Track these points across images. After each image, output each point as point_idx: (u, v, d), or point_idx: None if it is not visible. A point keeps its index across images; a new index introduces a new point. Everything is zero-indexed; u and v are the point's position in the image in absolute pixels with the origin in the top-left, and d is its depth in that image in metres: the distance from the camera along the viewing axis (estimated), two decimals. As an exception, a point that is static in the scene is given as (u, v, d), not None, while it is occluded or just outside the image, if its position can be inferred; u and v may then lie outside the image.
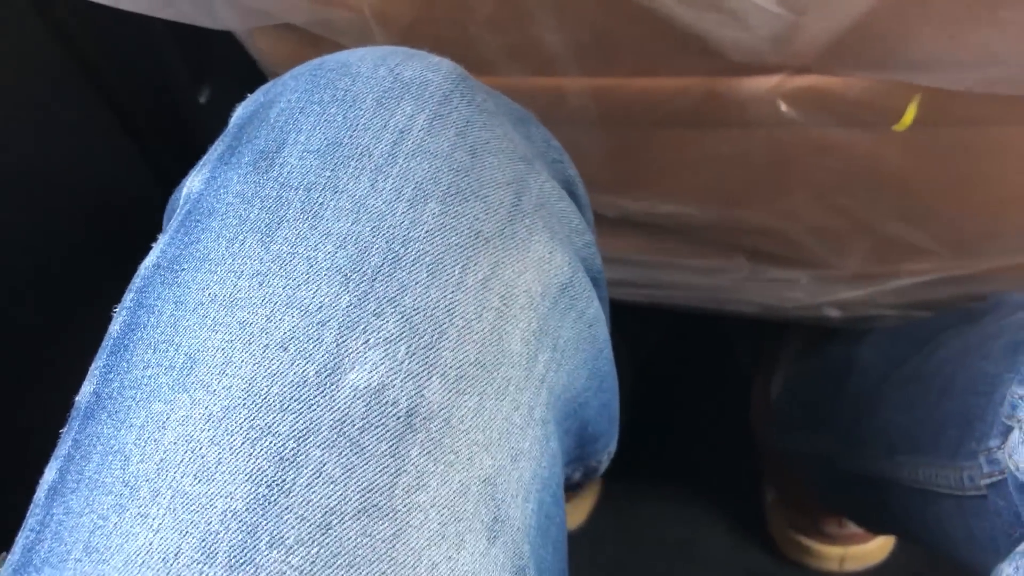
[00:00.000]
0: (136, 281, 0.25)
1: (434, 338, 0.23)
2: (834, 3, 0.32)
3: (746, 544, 0.71)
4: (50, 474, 0.24)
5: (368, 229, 0.23)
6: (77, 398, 0.25)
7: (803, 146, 0.46)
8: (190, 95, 0.58)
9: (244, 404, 0.21)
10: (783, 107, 0.43)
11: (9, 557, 0.24)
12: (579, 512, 0.71)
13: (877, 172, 0.47)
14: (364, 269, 0.23)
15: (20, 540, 0.23)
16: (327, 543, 0.21)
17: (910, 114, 0.42)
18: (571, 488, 0.32)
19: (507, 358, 0.24)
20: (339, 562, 0.21)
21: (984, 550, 0.31)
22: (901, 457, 0.40)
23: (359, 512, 0.21)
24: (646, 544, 0.71)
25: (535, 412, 0.25)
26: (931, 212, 0.50)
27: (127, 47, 0.53)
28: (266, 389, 0.22)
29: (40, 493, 0.23)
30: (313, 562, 0.20)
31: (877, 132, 0.44)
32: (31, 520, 0.23)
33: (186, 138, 0.58)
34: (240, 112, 0.27)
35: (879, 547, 0.68)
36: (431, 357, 0.23)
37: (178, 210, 0.26)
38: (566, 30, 0.38)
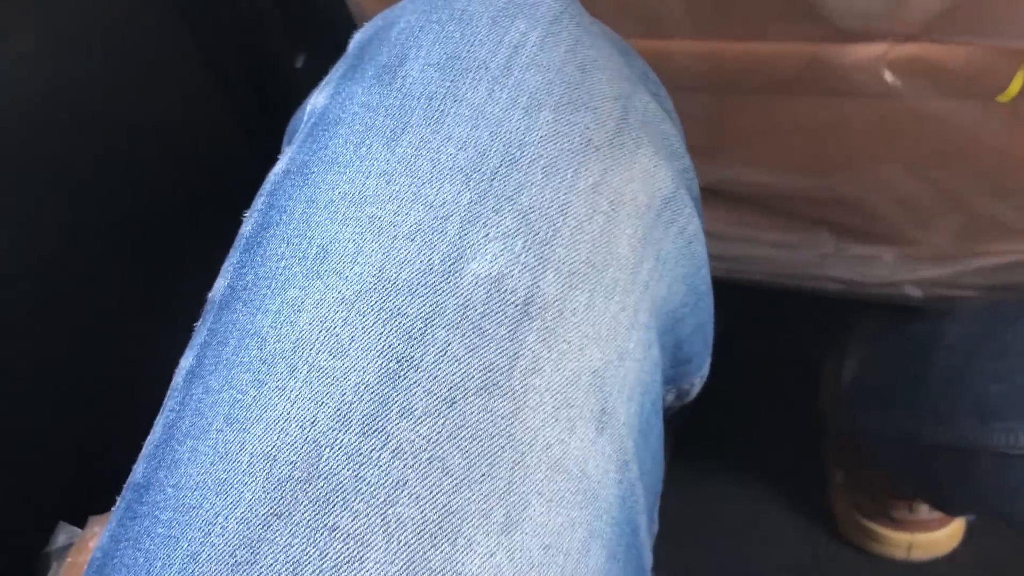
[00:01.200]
0: (266, 186, 0.27)
1: (549, 235, 0.24)
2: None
3: (811, 527, 0.71)
4: (187, 361, 0.25)
5: (487, 134, 0.24)
6: (210, 294, 0.26)
7: (902, 116, 0.46)
8: (287, 59, 0.59)
9: (375, 288, 0.23)
10: (887, 76, 0.44)
11: (149, 438, 0.25)
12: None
13: (976, 145, 0.47)
14: (483, 169, 0.24)
15: (160, 421, 0.25)
16: (452, 416, 0.22)
17: (1017, 84, 0.42)
18: (665, 411, 0.33)
19: (615, 260, 0.25)
20: (463, 434, 0.22)
21: None
22: (997, 423, 0.40)
23: (481, 389, 0.22)
24: (711, 524, 0.71)
25: (639, 316, 0.26)
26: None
27: (231, 10, 0.54)
28: (395, 275, 0.23)
29: (178, 379, 0.25)
30: (439, 433, 0.22)
31: (981, 103, 0.44)
32: (170, 403, 0.25)
33: (280, 101, 0.60)
34: (359, 37, 0.29)
35: (948, 536, 0.68)
36: (546, 252, 0.24)
37: (303, 124, 0.27)
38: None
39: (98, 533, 0.40)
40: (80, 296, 0.46)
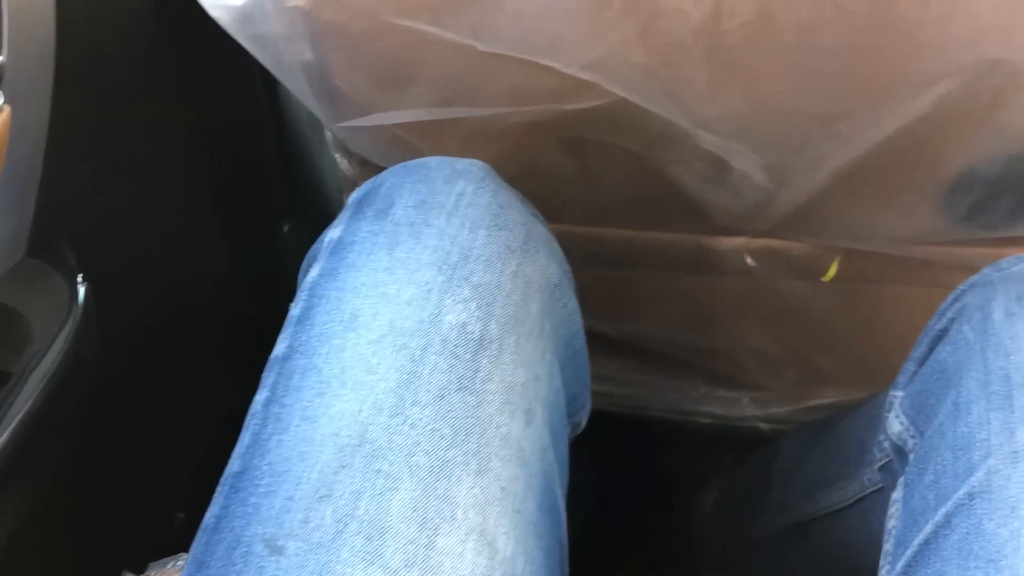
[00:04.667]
0: (304, 286, 0.39)
1: (491, 300, 0.37)
2: (800, 180, 0.50)
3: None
4: (261, 395, 0.36)
5: (448, 243, 0.38)
6: (272, 355, 0.38)
7: (758, 290, 0.64)
8: (278, 225, 0.73)
9: (389, 333, 0.35)
10: (748, 260, 0.62)
11: (236, 448, 0.35)
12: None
13: (809, 313, 0.65)
14: (448, 263, 0.37)
15: (245, 435, 0.35)
16: (442, 405, 0.34)
17: (833, 269, 0.61)
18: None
19: (529, 317, 0.38)
20: (450, 415, 0.34)
21: (877, 544, 0.43)
22: (818, 493, 0.55)
23: (457, 389, 0.34)
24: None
25: (546, 354, 0.39)
26: (841, 347, 0.68)
27: (246, 185, 0.68)
28: (401, 325, 0.35)
29: (256, 407, 0.36)
30: (436, 414, 0.33)
31: (812, 282, 0.62)
32: (252, 422, 0.35)
33: (271, 255, 0.73)
34: (355, 195, 0.43)
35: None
36: (490, 310, 0.37)
37: (323, 249, 0.40)
38: (616, 192, 0.56)
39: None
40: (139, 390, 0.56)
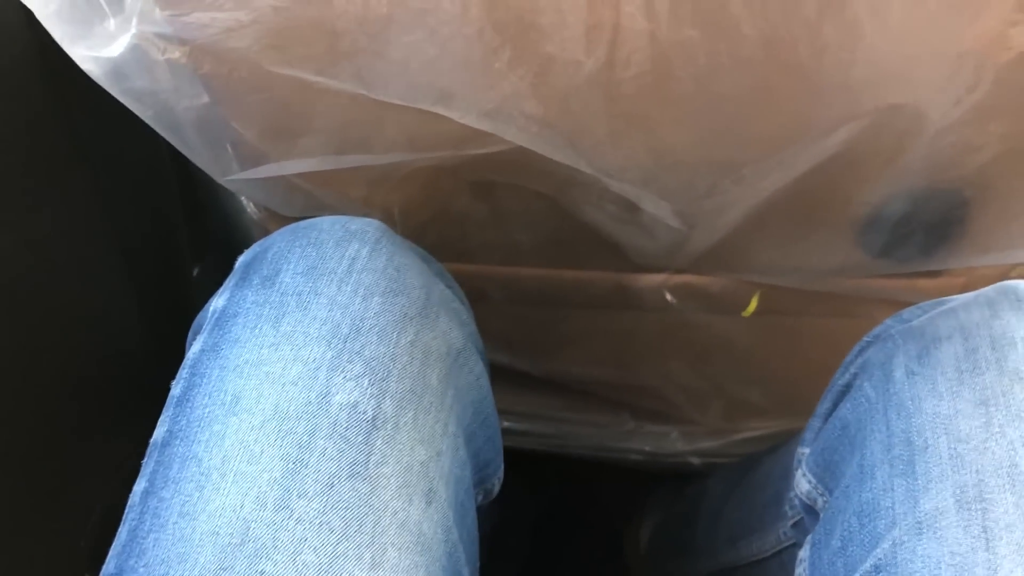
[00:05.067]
0: (187, 362, 0.37)
1: (384, 374, 0.35)
2: (713, 222, 0.49)
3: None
4: (140, 485, 0.34)
5: (339, 313, 0.35)
6: (152, 439, 0.35)
7: (680, 325, 0.63)
8: (187, 269, 0.71)
9: (274, 417, 0.33)
10: (668, 297, 0.61)
11: (114, 544, 0.33)
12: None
13: (731, 347, 0.64)
14: (339, 336, 0.35)
15: (123, 529, 0.33)
16: (332, 495, 0.32)
17: (753, 304, 0.60)
18: (479, 509, 0.44)
19: (429, 390, 0.36)
20: (340, 505, 0.32)
21: None
22: (741, 542, 0.54)
23: (349, 476, 0.32)
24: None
25: (449, 427, 0.37)
26: (766, 379, 0.68)
27: (152, 226, 0.65)
28: (286, 408, 0.33)
29: (134, 499, 0.34)
30: (325, 505, 0.31)
31: (732, 317, 0.62)
32: (130, 515, 0.33)
33: (180, 302, 0.70)
34: (243, 259, 0.40)
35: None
36: (384, 386, 0.34)
37: (207, 320, 0.38)
38: (530, 232, 0.54)
39: None
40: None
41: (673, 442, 0.73)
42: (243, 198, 0.60)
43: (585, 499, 0.87)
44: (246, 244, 0.72)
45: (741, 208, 0.47)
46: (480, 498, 0.43)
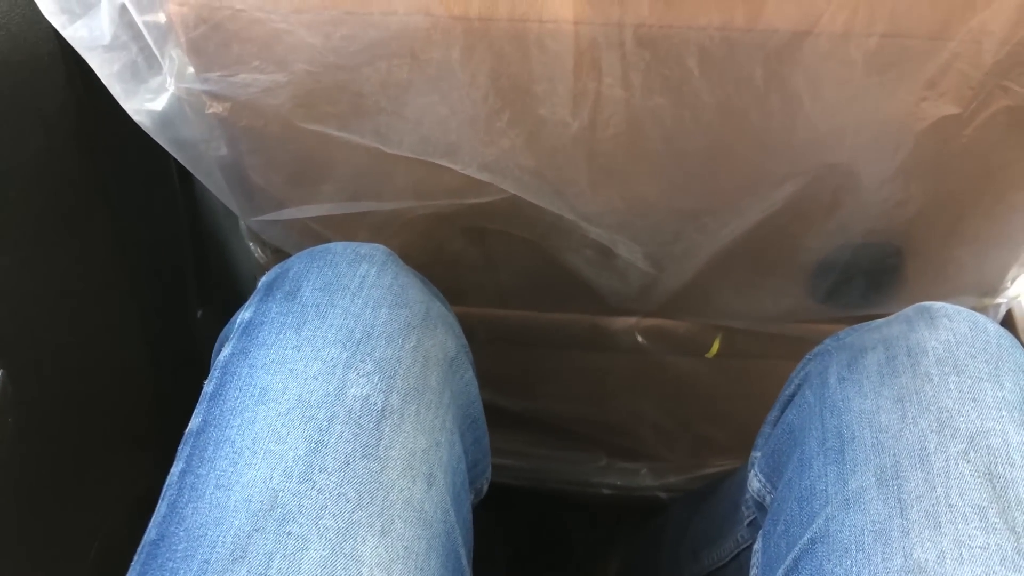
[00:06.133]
0: (217, 365, 0.42)
1: (392, 373, 0.39)
2: (679, 266, 0.55)
3: None
4: (177, 467, 0.38)
5: (352, 321, 0.40)
6: (187, 429, 0.40)
7: (650, 366, 0.69)
8: (192, 311, 0.76)
9: (298, 406, 0.37)
10: (639, 338, 0.66)
11: (154, 516, 0.37)
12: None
13: (696, 387, 0.70)
14: (352, 340, 0.40)
15: (162, 503, 0.37)
16: (348, 471, 0.36)
17: (715, 346, 0.66)
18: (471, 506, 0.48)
19: (429, 388, 0.41)
20: (355, 480, 0.36)
21: None
22: (702, 552, 0.59)
23: (362, 456, 0.37)
24: None
25: (446, 422, 0.42)
26: (730, 418, 0.74)
27: (160, 273, 0.70)
28: (308, 399, 0.38)
29: (172, 478, 0.38)
30: (342, 479, 0.36)
31: (697, 358, 0.67)
32: (168, 491, 0.37)
33: (183, 341, 0.75)
34: (265, 279, 0.46)
35: None
36: (392, 382, 0.39)
37: (234, 330, 0.43)
38: (516, 276, 0.60)
39: None
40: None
41: (643, 477, 0.78)
42: (251, 244, 0.65)
43: (557, 532, 0.91)
44: (248, 291, 0.78)
45: (704, 254, 0.53)
46: (472, 496, 0.48)
